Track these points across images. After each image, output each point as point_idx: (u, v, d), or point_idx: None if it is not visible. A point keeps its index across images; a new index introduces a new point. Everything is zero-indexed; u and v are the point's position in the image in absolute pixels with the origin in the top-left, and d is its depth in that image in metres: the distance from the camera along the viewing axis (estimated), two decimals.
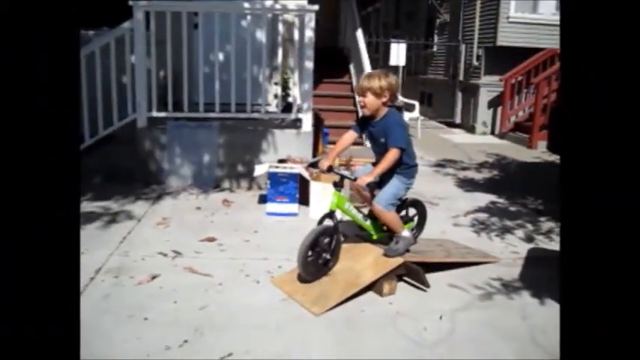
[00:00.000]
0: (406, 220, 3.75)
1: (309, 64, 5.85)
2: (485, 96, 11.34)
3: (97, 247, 4.07)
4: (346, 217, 3.64)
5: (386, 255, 3.40)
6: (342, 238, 3.50)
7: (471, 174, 7.46)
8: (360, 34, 8.76)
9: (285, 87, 7.03)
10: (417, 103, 10.83)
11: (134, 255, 3.94)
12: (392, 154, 3.27)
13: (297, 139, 5.94)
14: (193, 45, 6.14)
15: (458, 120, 12.50)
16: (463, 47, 12.22)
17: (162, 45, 5.70)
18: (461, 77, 12.39)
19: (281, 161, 5.58)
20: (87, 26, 6.90)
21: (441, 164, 8.08)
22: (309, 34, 5.78)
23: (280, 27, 6.07)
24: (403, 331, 2.99)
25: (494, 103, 11.32)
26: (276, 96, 6.84)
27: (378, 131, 3.38)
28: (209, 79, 5.86)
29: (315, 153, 6.16)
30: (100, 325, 2.92)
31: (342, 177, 3.39)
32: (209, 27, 5.73)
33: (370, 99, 3.29)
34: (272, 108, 6.85)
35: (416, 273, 3.41)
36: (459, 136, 11.38)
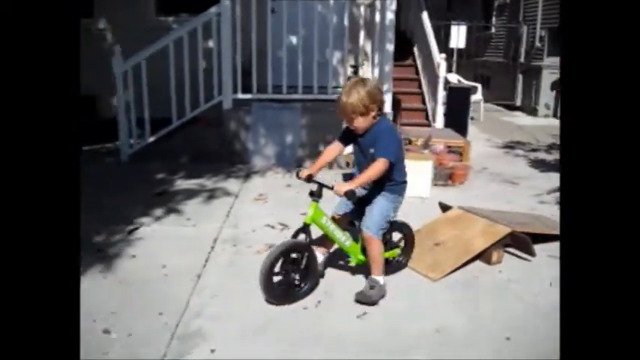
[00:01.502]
0: (392, 245, 3.34)
1: (390, 47, 5.97)
2: (547, 78, 11.24)
3: (205, 221, 4.32)
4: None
5: (358, 301, 2.98)
6: (318, 256, 3.11)
7: (542, 155, 7.47)
8: (425, 16, 8.79)
9: (357, 69, 7.14)
10: (479, 86, 10.81)
11: (243, 227, 4.15)
12: (378, 165, 2.81)
13: None
14: (270, 29, 6.29)
15: (518, 102, 12.41)
16: (525, 28, 12.10)
17: (244, 29, 5.89)
18: (522, 59, 12.28)
19: None
20: (167, 13, 7.17)
21: (509, 146, 8.10)
22: (390, 16, 5.89)
23: (357, 10, 6.20)
24: (519, 295, 3.12)
25: (557, 86, 11.21)
26: (348, 78, 6.96)
27: (367, 141, 2.93)
28: (286, 63, 6.02)
29: None
30: (235, 288, 3.14)
31: (321, 186, 2.98)
32: (286, 11, 5.93)
33: (359, 122, 2.85)
34: None
35: (524, 242, 3.53)
36: (520, 118, 11.32)
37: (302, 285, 3.03)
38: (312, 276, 3.07)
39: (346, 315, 2.87)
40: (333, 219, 3.13)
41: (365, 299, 2.97)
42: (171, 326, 2.76)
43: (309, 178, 3.02)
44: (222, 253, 3.65)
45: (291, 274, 2.97)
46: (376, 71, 6.12)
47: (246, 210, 4.58)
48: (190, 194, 4.96)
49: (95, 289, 3.12)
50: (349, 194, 2.78)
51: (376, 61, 6.05)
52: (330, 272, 3.35)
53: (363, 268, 3.23)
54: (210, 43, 6.02)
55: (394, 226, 3.27)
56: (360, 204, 3.06)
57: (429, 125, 8.11)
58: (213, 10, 5.85)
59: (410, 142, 5.79)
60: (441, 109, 7.74)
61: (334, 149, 3.15)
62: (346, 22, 6.02)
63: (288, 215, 4.40)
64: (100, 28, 7.31)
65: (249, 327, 2.75)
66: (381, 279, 3.06)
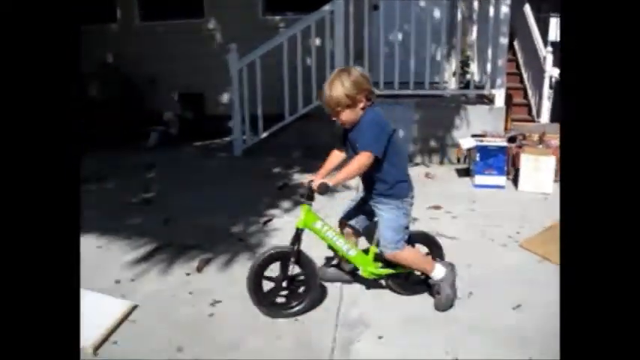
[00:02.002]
0: None
1: (504, 40, 5.87)
2: None
3: (333, 214, 4.35)
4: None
5: (439, 308, 2.80)
6: (313, 263, 2.80)
7: None
8: (528, 8, 8.59)
9: (464, 64, 7.06)
10: None
11: None
12: (359, 158, 2.53)
13: (489, 114, 6.00)
14: (375, 26, 6.30)
15: None
16: None
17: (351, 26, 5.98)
18: None
19: (474, 136, 5.67)
20: (274, 13, 7.34)
21: None
22: (505, 9, 5.79)
23: (463, 5, 6.14)
24: None
25: None
26: (454, 74, 6.90)
27: (354, 136, 2.66)
28: (397, 59, 6.03)
29: (506, 127, 6.20)
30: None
31: (311, 188, 2.64)
32: (389, 8, 5.94)
33: (346, 115, 2.60)
34: (452, 85, 6.92)
35: None
36: None
37: (292, 301, 2.78)
38: (309, 286, 2.78)
39: (503, 307, 2.85)
40: (341, 225, 2.97)
41: (443, 307, 2.78)
42: (333, 313, 2.82)
43: (324, 189, 2.57)
44: (360, 245, 3.69)
45: (281, 284, 2.75)
46: (488, 66, 6.02)
47: None
48: None
49: (242, 277, 3.22)
50: (321, 188, 2.54)
51: (489, 55, 5.93)
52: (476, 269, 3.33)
53: None
54: (318, 41, 6.09)
55: (415, 238, 2.94)
56: (358, 209, 2.90)
57: (532, 120, 7.93)
58: (326, 7, 5.93)
59: (524, 138, 5.68)
60: (546, 104, 7.55)
61: (336, 157, 2.88)
62: (459, 17, 5.96)
63: (415, 209, 4.38)
64: (209, 29, 7.55)
65: (408, 315, 2.78)
66: (437, 273, 2.81)
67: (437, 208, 4.45)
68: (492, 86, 6.01)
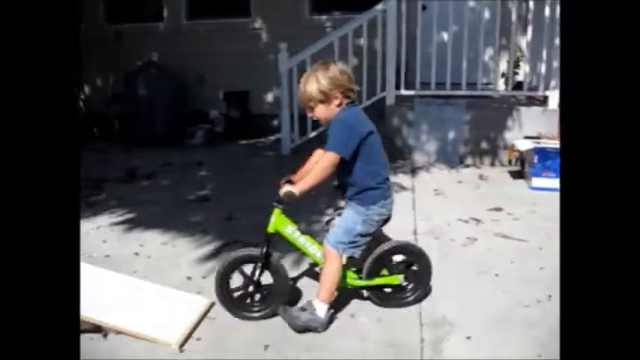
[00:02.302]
0: (392, 270, 2.77)
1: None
2: None
3: (395, 213, 4.33)
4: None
5: (282, 316, 2.62)
6: (283, 269, 2.72)
7: None
8: None
9: (515, 65, 6.97)
10: None
11: (436, 221, 4.15)
12: (322, 160, 2.47)
13: (543, 116, 5.91)
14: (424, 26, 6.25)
15: None
16: None
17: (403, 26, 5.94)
18: None
19: (528, 138, 5.59)
20: (321, 12, 7.33)
21: None
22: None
23: (512, 5, 6.06)
24: None
25: None
26: (503, 74, 6.82)
27: (327, 134, 2.56)
28: (449, 59, 5.97)
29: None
30: (461, 279, 3.14)
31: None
32: (438, 8, 5.91)
33: (320, 111, 2.50)
34: (501, 86, 6.84)
35: None
36: None
37: (259, 305, 2.72)
38: (276, 292, 2.69)
39: None
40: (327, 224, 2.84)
41: (286, 317, 2.58)
42: (415, 313, 2.79)
43: (288, 198, 2.51)
44: (429, 245, 3.65)
45: (248, 289, 2.68)
46: (542, 67, 5.93)
47: (430, 204, 4.58)
48: None
49: (314, 276, 3.21)
50: (287, 197, 2.46)
51: (543, 56, 5.84)
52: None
53: None
54: (368, 41, 6.06)
55: (399, 248, 2.77)
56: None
57: None
58: (379, 7, 5.90)
59: None
60: None
61: (321, 152, 2.64)
62: (513, 17, 5.88)
63: (474, 210, 4.37)
64: (255, 28, 7.56)
65: (492, 317, 2.74)
66: (321, 308, 2.55)
67: (498, 210, 4.39)
68: (546, 88, 5.92)
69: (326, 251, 2.60)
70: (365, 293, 2.84)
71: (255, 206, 4.51)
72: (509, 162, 5.94)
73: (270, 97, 7.60)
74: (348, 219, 2.60)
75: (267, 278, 2.73)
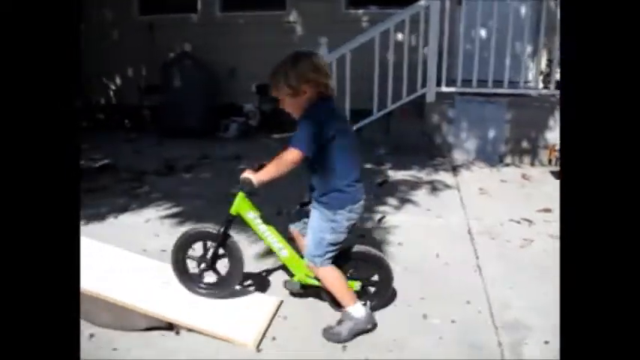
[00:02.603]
0: (351, 277, 2.70)
1: None
2: None
3: (446, 212, 4.32)
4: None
5: (325, 337, 2.52)
6: (239, 253, 2.69)
7: None
8: None
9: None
10: None
11: (488, 221, 4.11)
12: (284, 154, 2.34)
13: None
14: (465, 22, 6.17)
15: None
16: None
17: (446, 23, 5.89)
18: None
19: None
20: (357, 6, 7.28)
21: None
22: None
23: (554, 3, 6.00)
24: None
25: None
26: (541, 72, 6.74)
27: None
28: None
29: None
30: (525, 282, 3.13)
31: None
32: (478, 4, 5.83)
33: (287, 104, 2.42)
34: (539, 85, 6.76)
35: None
36: None
37: (211, 285, 2.75)
38: (230, 272, 2.71)
39: None
40: (291, 238, 2.78)
41: (331, 337, 2.50)
42: (486, 315, 2.77)
43: (246, 186, 2.47)
44: (487, 246, 3.63)
45: (200, 264, 2.70)
46: None
47: (478, 204, 4.54)
48: (412, 185, 5.00)
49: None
50: (244, 183, 2.41)
51: None
52: None
53: None
54: (409, 37, 6.01)
55: (360, 254, 2.66)
56: (306, 212, 2.68)
57: None
58: (422, 3, 5.84)
59: None
60: None
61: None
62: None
63: (522, 210, 4.32)
64: (290, 21, 7.52)
65: None
66: (355, 309, 2.50)
67: (547, 210, 4.34)
68: None
69: (309, 268, 2.58)
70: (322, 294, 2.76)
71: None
72: (549, 162, 5.89)
73: None
74: (316, 230, 2.48)
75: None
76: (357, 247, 2.68)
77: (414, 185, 5.01)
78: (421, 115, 6.18)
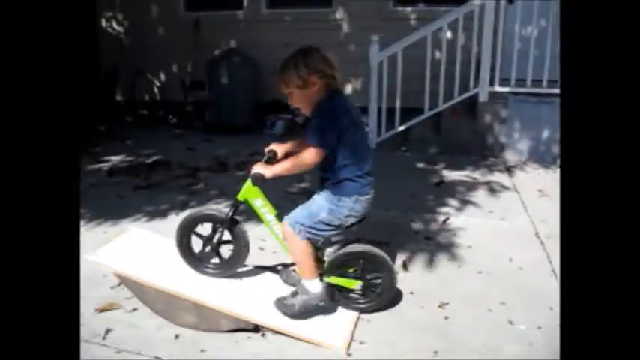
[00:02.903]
0: (350, 274, 2.66)
1: None
2: None
3: (509, 215, 4.27)
4: None
5: (277, 307, 2.59)
6: (245, 238, 2.73)
7: None
8: None
9: None
10: None
11: (554, 224, 4.03)
12: (305, 156, 2.38)
13: None
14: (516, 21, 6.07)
15: None
16: None
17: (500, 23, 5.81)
18: None
19: None
20: (405, 4, 7.22)
21: None
22: None
23: None
24: None
25: None
26: None
27: (308, 124, 2.50)
28: (524, 54, 5.81)
29: None
30: None
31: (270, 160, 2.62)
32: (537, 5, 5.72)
33: (296, 98, 2.43)
34: None
35: None
36: None
37: (215, 265, 2.81)
38: (235, 256, 2.76)
39: None
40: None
41: (282, 308, 2.55)
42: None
43: (256, 180, 2.52)
44: (558, 250, 3.57)
45: (205, 246, 2.75)
46: None
47: (539, 206, 4.47)
48: (469, 186, 4.95)
49: (457, 278, 3.20)
50: (254, 178, 2.45)
51: None
52: None
53: None
54: (449, 34, 5.95)
55: (360, 253, 2.62)
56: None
57: None
58: (477, 1, 5.77)
59: None
60: None
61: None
62: None
63: None
64: (336, 19, 7.48)
65: None
66: (311, 284, 2.53)
67: None
68: None
69: (283, 228, 2.53)
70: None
71: None
72: None
73: (348, 88, 7.52)
74: (315, 203, 2.51)
75: None
76: (360, 247, 2.64)
77: (471, 186, 4.95)
78: (472, 115, 6.11)
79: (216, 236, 2.73)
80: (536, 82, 5.85)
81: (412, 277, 3.20)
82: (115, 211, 4.27)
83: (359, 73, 7.19)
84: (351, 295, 2.71)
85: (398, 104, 6.12)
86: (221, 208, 2.83)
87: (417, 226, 4.01)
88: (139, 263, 2.81)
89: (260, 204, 2.63)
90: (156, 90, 8.43)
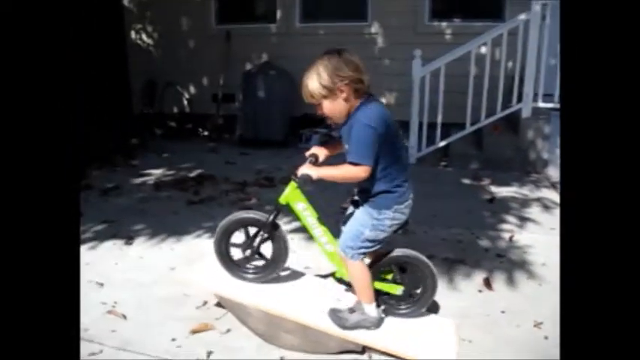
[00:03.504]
0: (389, 279, 2.67)
1: None
2: None
3: None
4: None
5: (330, 317, 2.55)
6: (286, 242, 2.70)
7: None
8: None
9: None
10: None
11: None
12: (350, 171, 2.26)
13: None
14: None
15: None
16: None
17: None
18: None
19: None
20: (441, 19, 7.26)
21: None
22: None
23: None
24: None
25: None
26: None
27: (344, 133, 2.37)
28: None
29: None
30: None
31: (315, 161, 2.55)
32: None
33: (326, 108, 2.30)
34: None
35: None
36: None
37: (254, 269, 2.77)
38: (278, 260, 2.72)
39: None
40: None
41: (334, 319, 2.50)
42: None
43: (303, 182, 2.40)
44: None
45: (245, 252, 2.71)
46: None
47: None
48: (521, 202, 4.95)
49: (542, 297, 3.18)
50: (302, 179, 2.34)
51: None
52: None
53: None
54: (491, 50, 5.98)
55: (403, 258, 2.60)
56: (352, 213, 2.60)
57: None
58: (522, 17, 5.81)
59: None
60: None
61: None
62: None
63: None
64: (371, 32, 7.51)
65: None
66: (369, 308, 2.50)
67: None
68: None
69: (341, 256, 2.52)
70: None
71: (417, 218, 4.43)
72: None
73: (383, 102, 7.54)
74: (357, 222, 2.45)
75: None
76: (402, 252, 2.60)
77: (524, 203, 4.96)
78: (514, 131, 6.13)
79: (257, 240, 2.68)
80: None
81: (498, 296, 3.18)
82: (174, 227, 4.24)
83: (393, 87, 7.22)
84: (391, 301, 2.69)
85: (439, 119, 6.13)
86: (254, 212, 2.80)
87: (483, 243, 4.00)
88: (234, 284, 2.79)
89: (302, 207, 2.59)
90: (185, 102, 8.42)
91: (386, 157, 2.31)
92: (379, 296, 2.66)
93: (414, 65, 6.13)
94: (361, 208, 2.47)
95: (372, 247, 2.46)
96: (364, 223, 2.42)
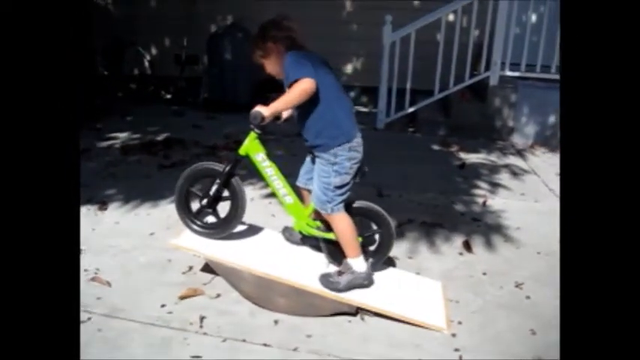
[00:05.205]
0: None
1: None
2: None
3: (541, 197, 4.41)
4: None
5: (322, 283, 2.57)
6: (242, 194, 2.67)
7: None
8: None
9: None
10: None
11: None
12: (291, 90, 2.33)
13: None
14: None
15: None
16: None
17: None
18: None
19: None
20: None
21: None
22: None
23: None
24: None
25: None
26: None
27: (285, 82, 2.42)
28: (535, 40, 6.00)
29: None
30: None
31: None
32: None
33: (268, 67, 2.53)
34: None
35: None
36: None
37: (212, 225, 2.76)
38: (232, 213, 2.70)
39: None
40: (298, 189, 2.76)
41: (326, 284, 2.54)
42: None
43: (254, 118, 2.41)
44: None
45: (202, 201, 2.70)
46: None
47: None
48: (490, 169, 5.08)
49: (520, 259, 3.30)
50: (252, 116, 2.37)
51: None
52: None
53: None
54: (451, 17, 6.02)
55: (363, 210, 2.67)
56: (309, 168, 2.70)
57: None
58: None
59: None
60: None
61: None
62: None
63: None
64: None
65: None
66: (357, 263, 2.55)
67: None
68: None
69: (324, 216, 2.57)
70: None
71: (391, 182, 4.49)
72: None
73: (349, 68, 7.52)
74: (319, 176, 2.50)
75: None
76: (358, 203, 2.67)
77: (493, 169, 5.08)
78: (481, 98, 6.23)
79: (213, 189, 2.66)
80: (545, 68, 6.00)
81: (478, 258, 3.28)
82: (148, 192, 4.15)
83: (360, 53, 7.19)
84: (334, 246, 2.72)
85: (408, 86, 6.16)
86: (216, 163, 2.78)
87: (459, 207, 4.09)
88: (226, 248, 2.77)
89: (261, 158, 2.60)
90: (146, 64, 8.17)
91: (323, 90, 2.39)
92: (333, 247, 2.69)
93: (385, 31, 6.11)
94: (318, 162, 2.51)
95: (344, 193, 2.51)
96: (326, 172, 2.48)
